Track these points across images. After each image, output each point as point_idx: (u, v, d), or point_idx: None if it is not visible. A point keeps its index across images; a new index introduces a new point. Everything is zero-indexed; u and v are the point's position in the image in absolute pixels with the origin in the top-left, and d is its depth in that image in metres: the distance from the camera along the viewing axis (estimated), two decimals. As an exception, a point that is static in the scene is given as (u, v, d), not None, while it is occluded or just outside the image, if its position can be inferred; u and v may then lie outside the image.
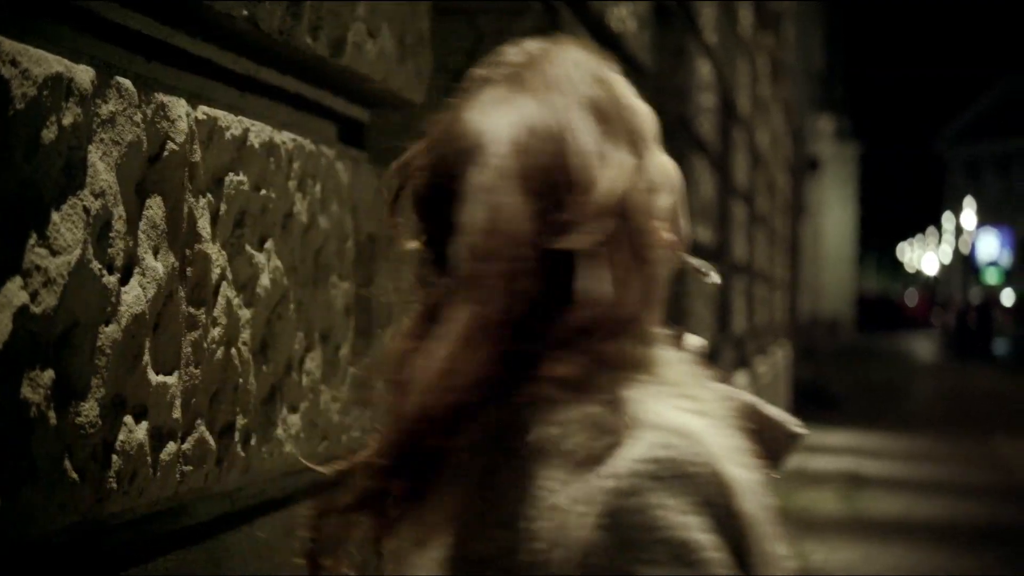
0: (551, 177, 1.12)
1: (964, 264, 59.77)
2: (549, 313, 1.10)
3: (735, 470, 1.10)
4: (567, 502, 1.03)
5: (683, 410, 1.11)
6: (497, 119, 1.14)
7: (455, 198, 1.11)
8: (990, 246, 54.32)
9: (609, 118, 1.17)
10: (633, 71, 3.79)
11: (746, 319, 8.87)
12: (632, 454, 1.05)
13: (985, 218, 62.84)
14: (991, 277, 53.55)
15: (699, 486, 1.06)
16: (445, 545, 1.09)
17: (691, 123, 5.27)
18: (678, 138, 5.13)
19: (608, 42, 3.30)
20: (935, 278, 77.56)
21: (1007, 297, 49.81)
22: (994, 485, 11.46)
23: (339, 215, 1.68)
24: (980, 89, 79.95)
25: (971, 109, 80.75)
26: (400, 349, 1.13)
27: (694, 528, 1.04)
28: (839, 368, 27.11)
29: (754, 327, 9.90)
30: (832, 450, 13.61)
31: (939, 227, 74.38)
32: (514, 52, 1.20)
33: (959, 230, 62.41)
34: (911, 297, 65.50)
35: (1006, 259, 52.01)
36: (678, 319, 5.26)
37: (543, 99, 1.15)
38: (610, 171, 1.14)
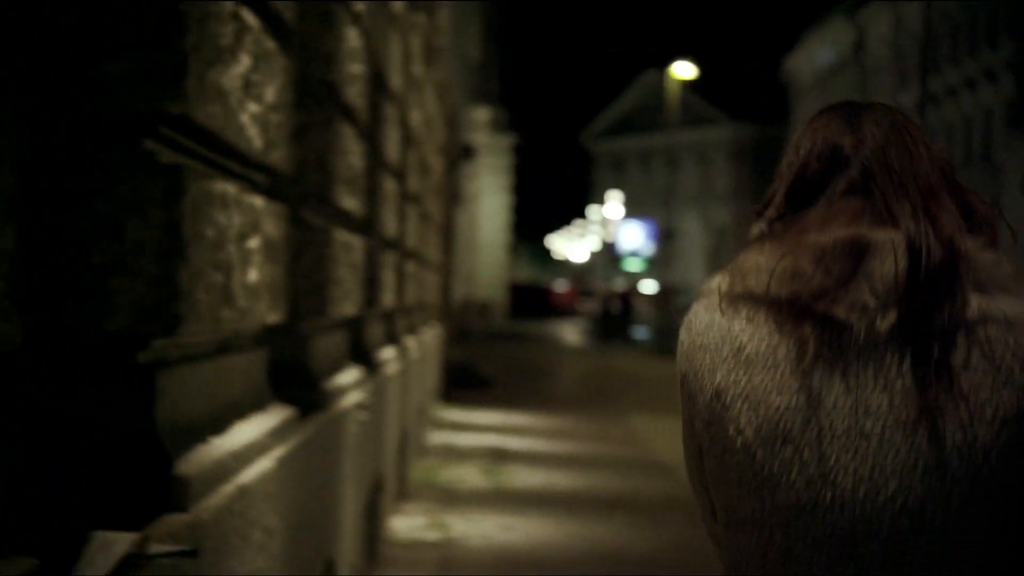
0: None
1: (609, 254, 62.61)
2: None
3: None
4: None
5: None
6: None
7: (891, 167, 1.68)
8: (633, 237, 57.16)
9: None
10: (276, 29, 3.73)
11: (395, 295, 8.94)
12: None
13: (629, 210, 66.05)
14: (633, 266, 56.37)
15: None
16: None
17: (338, 89, 5.25)
18: (324, 103, 5.10)
19: (247, -8, 3.23)
20: (583, 267, 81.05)
21: (649, 285, 52.63)
22: (629, 458, 12.08)
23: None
24: (624, 86, 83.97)
25: (616, 105, 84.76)
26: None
27: None
28: (490, 351, 27.86)
29: (404, 304, 10.00)
30: (479, 428, 13.97)
31: (588, 218, 77.67)
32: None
33: (604, 221, 65.35)
34: (560, 285, 68.09)
35: (648, 249, 54.91)
36: (321, 285, 5.20)
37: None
38: None
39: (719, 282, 1.69)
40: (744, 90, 71.12)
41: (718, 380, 1.63)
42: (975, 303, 1.58)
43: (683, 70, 38.28)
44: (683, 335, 1.71)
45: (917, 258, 1.58)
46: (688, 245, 71.81)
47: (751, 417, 1.59)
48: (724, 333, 1.65)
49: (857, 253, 1.59)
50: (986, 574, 1.56)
